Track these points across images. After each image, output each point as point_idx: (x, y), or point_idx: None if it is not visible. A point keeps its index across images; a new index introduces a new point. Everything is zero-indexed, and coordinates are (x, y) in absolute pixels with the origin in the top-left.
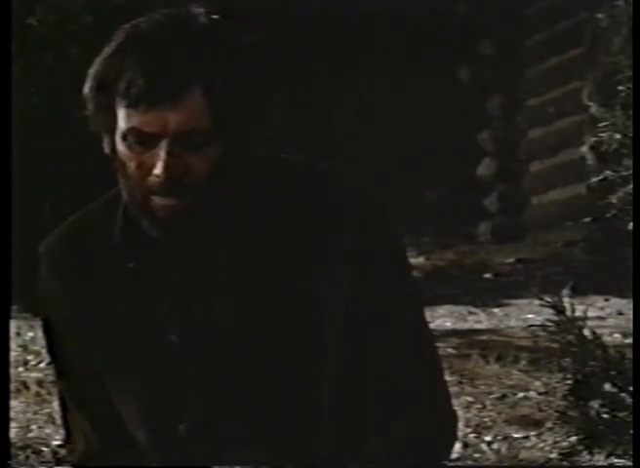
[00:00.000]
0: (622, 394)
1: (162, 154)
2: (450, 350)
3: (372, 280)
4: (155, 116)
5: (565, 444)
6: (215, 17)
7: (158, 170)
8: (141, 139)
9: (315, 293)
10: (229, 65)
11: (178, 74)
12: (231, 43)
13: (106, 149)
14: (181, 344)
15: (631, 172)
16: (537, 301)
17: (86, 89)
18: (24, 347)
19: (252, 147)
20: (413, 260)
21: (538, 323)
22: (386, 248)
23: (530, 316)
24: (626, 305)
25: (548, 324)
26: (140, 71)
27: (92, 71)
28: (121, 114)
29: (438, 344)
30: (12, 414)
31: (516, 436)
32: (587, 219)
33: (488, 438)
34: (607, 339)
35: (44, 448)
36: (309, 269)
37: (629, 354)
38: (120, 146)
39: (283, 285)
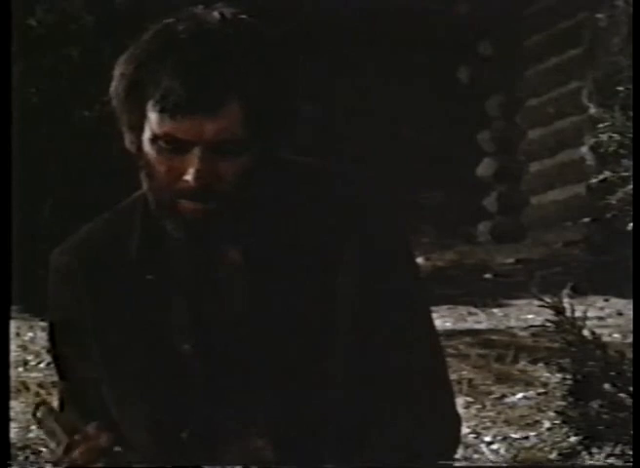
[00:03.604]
0: (622, 394)
1: (195, 161)
2: (450, 350)
3: (378, 280)
4: (191, 124)
5: (565, 444)
6: (245, 18)
7: (189, 176)
8: (174, 145)
9: (329, 298)
10: (263, 75)
11: (218, 86)
12: (263, 49)
13: (127, 145)
14: (194, 353)
15: (631, 172)
16: (536, 302)
17: (113, 87)
18: (24, 347)
19: (278, 153)
20: None
21: (537, 323)
22: (394, 249)
23: (530, 316)
24: (626, 305)
25: (548, 324)
26: (178, 80)
27: (121, 71)
28: (153, 118)
29: None
30: (12, 415)
31: (516, 436)
32: (587, 219)
33: (487, 438)
34: (607, 340)
35: (44, 449)
36: (323, 274)
37: (629, 354)
38: (148, 148)
39: (298, 291)
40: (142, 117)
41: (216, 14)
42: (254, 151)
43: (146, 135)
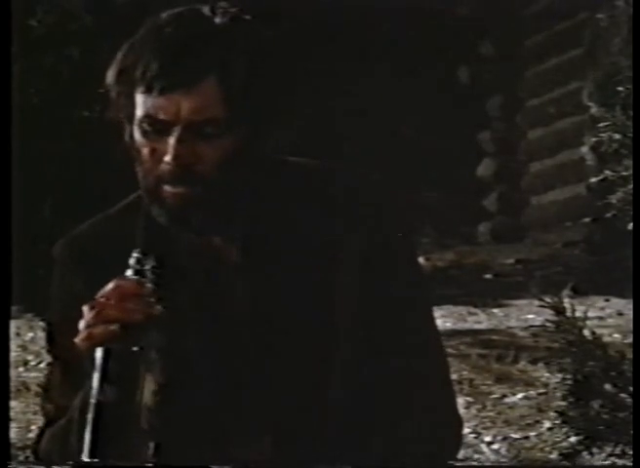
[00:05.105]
0: (622, 394)
1: (172, 141)
2: (450, 350)
3: (380, 280)
4: (168, 102)
5: (565, 444)
6: (234, 11)
7: (168, 157)
8: (155, 127)
9: (330, 298)
10: (248, 59)
11: (192, 61)
12: (251, 38)
13: (127, 138)
14: (198, 346)
15: (631, 172)
16: (537, 302)
17: (108, 78)
18: (24, 347)
19: (269, 145)
20: None
21: (538, 323)
22: (395, 248)
23: (530, 316)
24: (626, 305)
25: (548, 324)
26: (156, 56)
27: (115, 61)
28: (138, 101)
29: None
30: (12, 415)
31: (516, 436)
32: (587, 219)
33: (488, 438)
34: (607, 340)
35: None
36: (324, 275)
37: (629, 354)
38: (136, 134)
39: (299, 291)
40: (133, 104)
41: (206, 7)
42: (239, 138)
43: (135, 122)
